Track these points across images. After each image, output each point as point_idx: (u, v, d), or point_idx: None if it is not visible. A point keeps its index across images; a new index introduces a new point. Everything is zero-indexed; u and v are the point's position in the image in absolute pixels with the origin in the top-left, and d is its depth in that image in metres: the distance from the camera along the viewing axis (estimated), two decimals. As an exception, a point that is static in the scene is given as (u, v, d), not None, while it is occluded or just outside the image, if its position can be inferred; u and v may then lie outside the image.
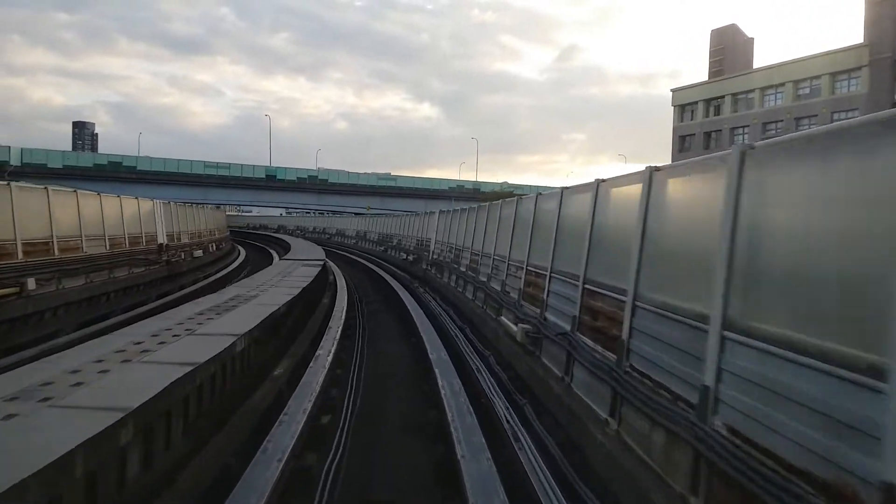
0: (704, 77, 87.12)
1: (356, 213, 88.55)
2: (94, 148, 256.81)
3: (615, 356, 6.30)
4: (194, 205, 40.23)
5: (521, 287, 11.54)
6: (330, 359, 12.55)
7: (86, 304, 17.70)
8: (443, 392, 10.18)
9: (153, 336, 8.57)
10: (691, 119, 73.40)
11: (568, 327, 8.14)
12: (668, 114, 76.70)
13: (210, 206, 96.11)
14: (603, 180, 8.02)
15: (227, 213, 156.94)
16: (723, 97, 70.87)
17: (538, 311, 10.08)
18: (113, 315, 17.99)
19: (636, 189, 6.75)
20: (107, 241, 19.39)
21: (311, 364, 11.93)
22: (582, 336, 7.63)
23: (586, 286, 7.75)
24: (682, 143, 73.96)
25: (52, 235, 16.19)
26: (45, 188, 16.31)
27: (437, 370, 11.66)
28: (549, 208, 10.78)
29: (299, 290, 15.45)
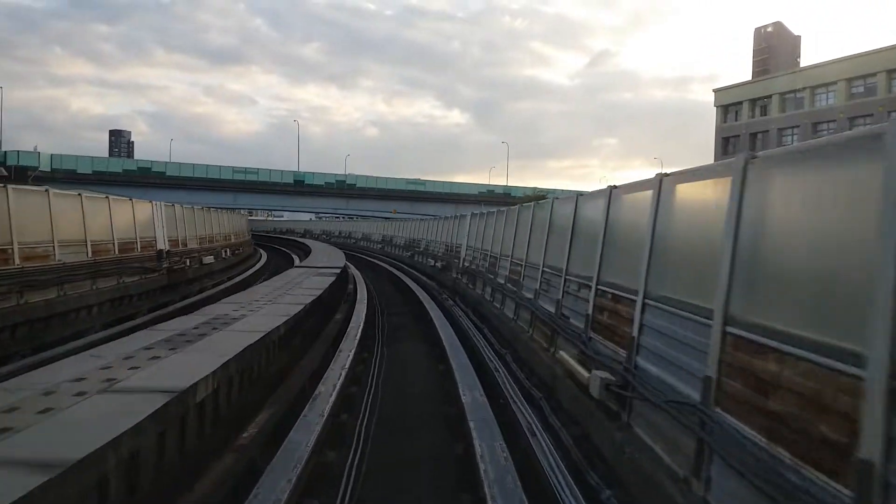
0: (745, 79, 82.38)
1: (385, 218, 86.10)
2: (129, 155, 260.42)
3: (843, 488, 3.12)
4: (210, 208, 37.75)
5: (590, 313, 8.33)
6: (332, 399, 9.51)
7: (58, 320, 14.94)
8: (482, 467, 7.02)
9: (45, 395, 5.62)
10: (735, 120, 69.19)
11: (695, 394, 4.94)
12: (704, 118, 72.85)
13: (242, 210, 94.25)
14: (754, 157, 4.82)
15: (258, 217, 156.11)
16: (769, 97, 66.57)
17: (624, 353, 6.86)
18: (90, 332, 15.22)
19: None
20: (89, 247, 16.63)
21: (305, 411, 8.89)
22: (726, 416, 4.44)
23: (732, 330, 4.54)
24: (725, 145, 69.76)
25: (11, 242, 13.44)
26: (5, 186, 13.57)
27: (472, 422, 8.50)
28: (634, 207, 7.58)
29: (302, 307, 12.48)
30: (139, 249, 19.77)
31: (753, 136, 67.12)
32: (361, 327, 15.71)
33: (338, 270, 22.22)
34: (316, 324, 14.40)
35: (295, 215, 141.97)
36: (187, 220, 25.30)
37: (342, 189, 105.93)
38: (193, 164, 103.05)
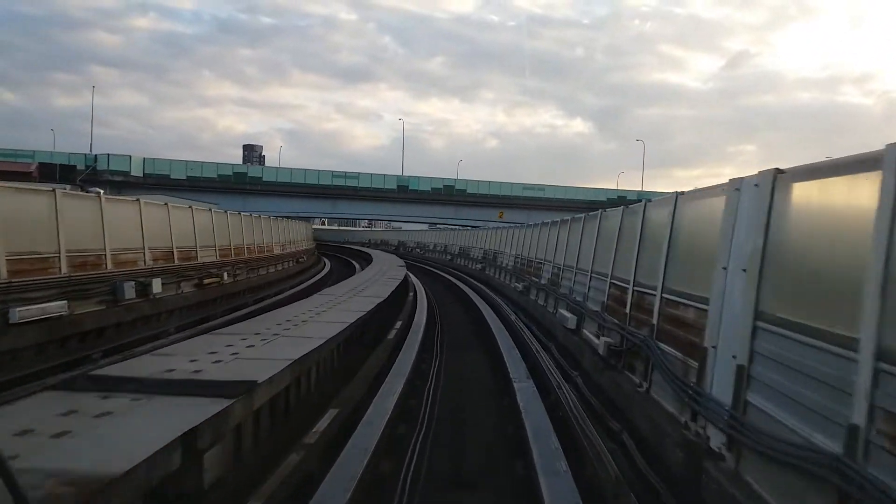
0: None
1: (497, 228, 68.56)
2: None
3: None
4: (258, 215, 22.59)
5: None
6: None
7: None
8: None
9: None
10: None
11: None
12: (858, 120, 49.60)
13: (363, 221, 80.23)
14: None
15: (358, 228, 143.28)
16: None
17: None
18: None
19: None
20: None
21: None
22: None
23: None
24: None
25: None
26: None
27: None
28: None
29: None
30: None
31: None
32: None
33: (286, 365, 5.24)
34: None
35: (407, 226, 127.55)
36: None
37: (451, 195, 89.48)
38: (291, 169, 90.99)
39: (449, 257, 42.76)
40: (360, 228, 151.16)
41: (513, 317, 17.21)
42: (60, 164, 51.23)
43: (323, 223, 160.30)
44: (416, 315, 17.64)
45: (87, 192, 30.53)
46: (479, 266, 31.94)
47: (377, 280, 19.01)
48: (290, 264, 30.73)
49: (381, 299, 14.05)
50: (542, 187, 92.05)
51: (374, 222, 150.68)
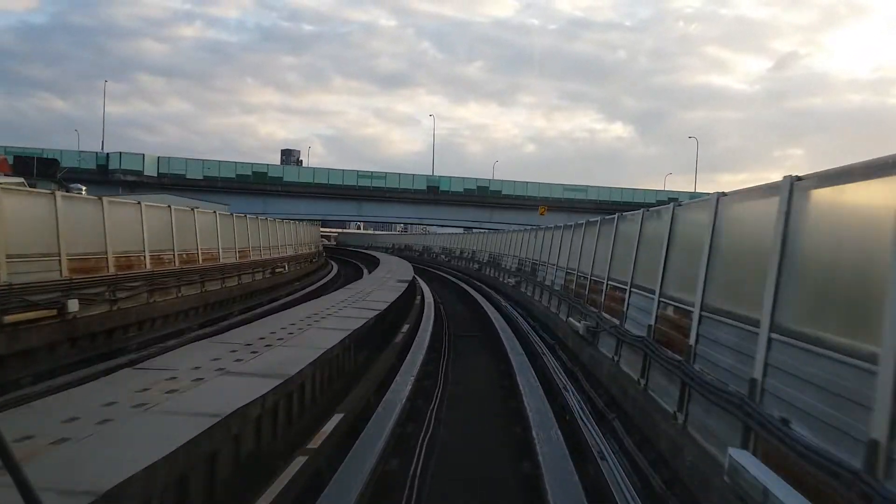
0: None
1: (535, 230, 59.00)
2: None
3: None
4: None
5: None
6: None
7: None
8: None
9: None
10: None
11: None
12: None
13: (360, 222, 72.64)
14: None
15: (390, 232, 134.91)
16: None
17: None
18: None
19: None
20: None
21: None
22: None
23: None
24: None
25: None
26: None
27: None
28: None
29: None
30: None
31: None
32: None
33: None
34: None
35: (441, 231, 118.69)
36: None
37: (484, 197, 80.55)
38: (314, 169, 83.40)
39: (476, 266, 33.96)
40: (393, 233, 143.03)
41: (576, 407, 8.22)
42: (39, 158, 44.10)
43: (359, 227, 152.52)
44: (396, 378, 8.96)
45: (69, 189, 21.25)
46: (512, 281, 22.99)
47: (342, 309, 10.30)
48: (261, 276, 22.37)
49: (298, 369, 5.32)
50: (584, 188, 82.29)
51: (408, 227, 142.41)
